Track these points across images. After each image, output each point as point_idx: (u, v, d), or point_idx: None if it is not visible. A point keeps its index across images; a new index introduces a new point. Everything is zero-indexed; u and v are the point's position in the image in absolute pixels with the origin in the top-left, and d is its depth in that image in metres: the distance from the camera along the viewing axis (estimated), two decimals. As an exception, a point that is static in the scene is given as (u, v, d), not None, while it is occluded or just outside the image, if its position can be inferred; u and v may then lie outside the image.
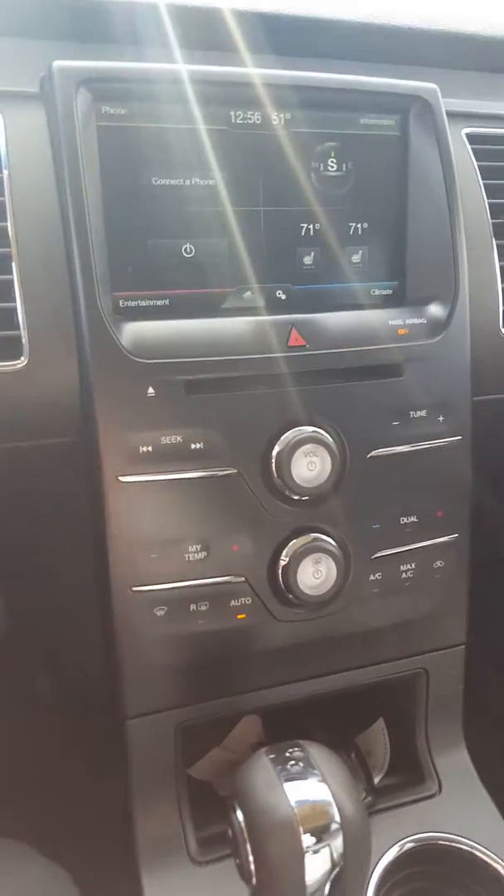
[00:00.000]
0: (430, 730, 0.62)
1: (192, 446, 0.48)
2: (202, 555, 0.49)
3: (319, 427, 0.50)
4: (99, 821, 0.62)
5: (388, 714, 0.65)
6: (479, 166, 0.60)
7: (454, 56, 0.65)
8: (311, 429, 0.50)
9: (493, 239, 0.59)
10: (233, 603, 0.51)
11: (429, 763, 0.62)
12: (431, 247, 0.54)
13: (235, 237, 0.50)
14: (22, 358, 0.47)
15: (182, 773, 0.56)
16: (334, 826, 0.40)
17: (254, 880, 0.41)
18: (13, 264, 0.47)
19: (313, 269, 0.53)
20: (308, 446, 0.49)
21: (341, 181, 0.53)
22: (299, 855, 0.39)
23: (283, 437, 0.49)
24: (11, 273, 0.47)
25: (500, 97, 0.65)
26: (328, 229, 0.52)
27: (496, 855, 0.55)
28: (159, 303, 0.49)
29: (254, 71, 0.50)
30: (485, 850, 0.56)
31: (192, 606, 0.50)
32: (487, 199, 0.59)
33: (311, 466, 0.50)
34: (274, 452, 0.49)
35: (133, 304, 0.49)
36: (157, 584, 0.49)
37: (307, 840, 0.39)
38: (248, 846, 0.40)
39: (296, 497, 0.50)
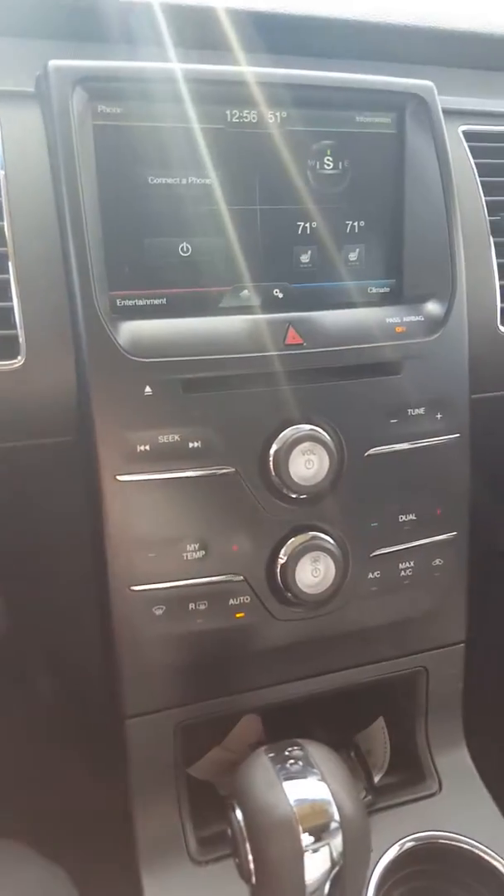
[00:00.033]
0: (430, 728, 0.62)
1: (190, 445, 0.48)
2: (200, 554, 0.49)
3: (317, 425, 0.50)
4: (98, 821, 0.62)
5: (388, 713, 0.65)
6: (476, 164, 0.60)
7: (450, 53, 0.65)
8: (308, 427, 0.50)
9: (491, 236, 0.59)
10: (231, 602, 0.51)
11: (429, 762, 0.62)
12: (428, 244, 0.54)
13: (232, 236, 0.50)
14: (19, 357, 0.47)
15: (182, 772, 0.56)
16: (334, 825, 0.40)
17: (253, 879, 0.40)
18: (10, 264, 0.47)
19: (310, 267, 0.52)
20: (306, 444, 0.49)
21: (338, 179, 0.53)
22: (299, 854, 0.39)
23: (280, 436, 0.49)
24: (8, 272, 0.47)
25: (496, 94, 0.65)
26: (325, 227, 0.52)
27: (496, 853, 0.55)
28: (156, 302, 0.49)
29: (249, 69, 0.50)
30: (485, 849, 0.56)
31: (191, 605, 0.50)
32: (484, 196, 0.59)
33: (308, 465, 0.49)
34: (272, 451, 0.49)
35: (130, 303, 0.49)
36: (155, 583, 0.49)
37: (306, 839, 0.39)
38: (248, 845, 0.40)
39: (294, 495, 0.50)
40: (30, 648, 0.62)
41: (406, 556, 0.55)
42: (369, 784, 0.62)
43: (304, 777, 0.42)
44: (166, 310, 0.49)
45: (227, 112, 0.49)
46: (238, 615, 0.51)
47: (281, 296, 0.52)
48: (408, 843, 0.56)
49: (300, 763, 0.42)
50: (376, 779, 0.63)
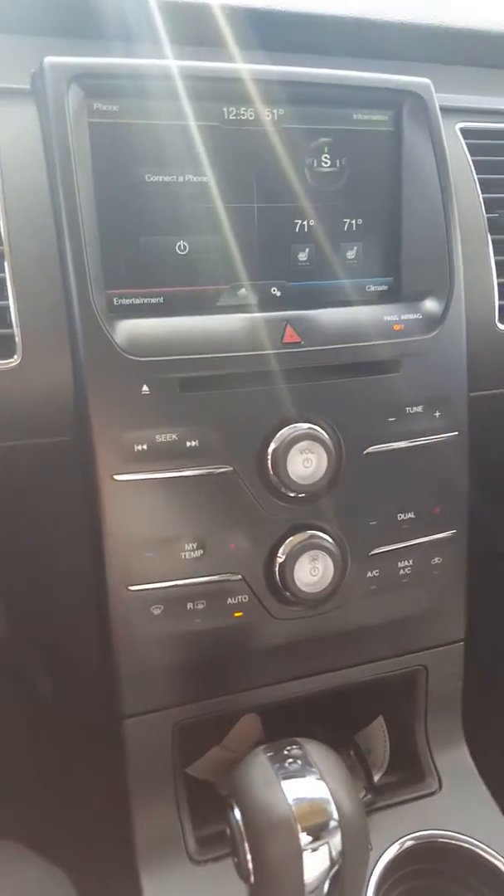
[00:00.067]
0: (429, 727, 0.62)
1: (188, 444, 0.48)
2: (198, 553, 0.49)
3: (315, 424, 0.50)
4: (97, 820, 0.62)
5: (388, 711, 0.65)
6: (474, 161, 0.60)
7: (447, 51, 0.65)
8: (306, 426, 0.50)
9: (489, 234, 0.59)
10: (230, 601, 0.51)
11: (429, 760, 0.62)
12: (426, 242, 0.54)
13: (229, 234, 0.50)
14: (15, 356, 0.47)
15: (180, 772, 0.56)
16: (332, 824, 0.40)
17: (252, 879, 0.40)
18: (5, 262, 0.47)
19: (308, 265, 0.52)
20: (304, 443, 0.49)
21: (335, 177, 0.52)
22: (297, 853, 0.39)
23: (278, 435, 0.49)
24: (4, 271, 0.46)
25: (494, 92, 0.65)
26: (322, 225, 0.52)
27: (497, 852, 0.55)
28: (153, 300, 0.49)
29: (246, 67, 0.49)
30: (485, 847, 0.56)
31: (189, 605, 0.49)
32: (482, 193, 0.59)
33: (306, 463, 0.49)
34: (270, 450, 0.49)
35: (127, 301, 0.48)
36: (153, 582, 0.49)
37: (305, 838, 0.39)
38: (246, 845, 0.40)
39: (292, 494, 0.50)
40: (28, 648, 0.62)
41: (405, 555, 0.55)
42: (369, 783, 0.62)
43: (303, 776, 0.41)
44: (163, 308, 0.49)
45: (224, 109, 0.49)
46: (236, 614, 0.51)
47: (278, 294, 0.52)
48: (408, 842, 0.56)
49: (299, 762, 0.42)
50: (376, 778, 0.63)
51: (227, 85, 0.49)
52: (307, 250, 0.52)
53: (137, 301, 0.49)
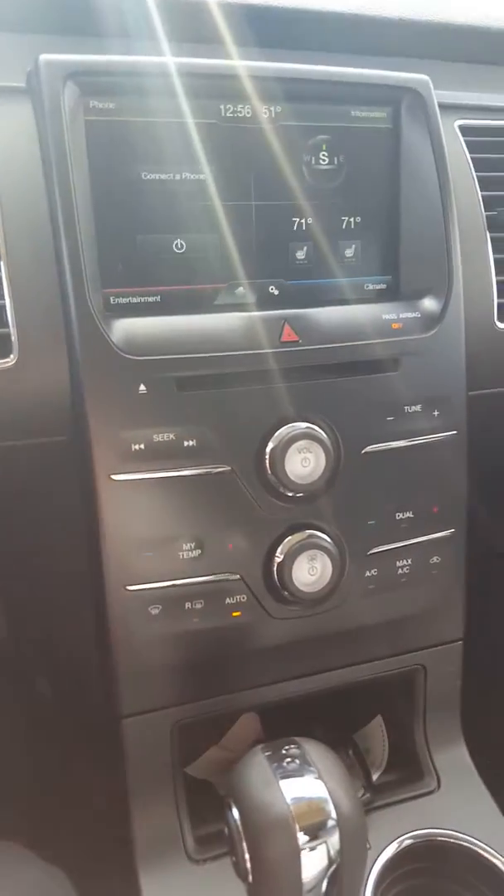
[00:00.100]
0: (428, 726, 0.62)
1: (185, 444, 0.48)
2: (196, 553, 0.49)
3: (313, 423, 0.50)
4: (96, 820, 0.62)
5: (386, 711, 0.65)
6: (472, 158, 0.59)
7: (446, 47, 0.65)
8: (304, 425, 0.49)
9: (487, 232, 0.59)
10: (228, 601, 0.50)
11: (427, 759, 0.62)
12: (425, 240, 0.54)
13: (226, 232, 0.49)
14: (11, 356, 0.47)
15: (179, 771, 0.56)
16: (330, 823, 0.40)
17: (250, 878, 0.40)
18: (1, 262, 0.46)
19: (306, 263, 0.52)
20: (302, 442, 0.49)
21: (333, 175, 0.52)
22: (295, 852, 0.39)
23: (276, 434, 0.49)
24: (0, 270, 0.46)
25: (492, 88, 0.65)
26: (320, 223, 0.52)
27: (495, 850, 0.55)
28: (150, 299, 0.49)
29: (243, 64, 0.49)
30: (484, 846, 0.56)
31: (187, 605, 0.49)
32: (481, 191, 0.59)
33: (305, 463, 0.49)
34: (268, 449, 0.49)
35: (124, 300, 0.48)
36: (151, 582, 0.49)
37: (303, 837, 0.39)
38: (244, 844, 0.40)
39: (290, 494, 0.50)
40: (26, 648, 0.61)
41: (403, 554, 0.55)
42: (368, 782, 0.62)
43: (301, 775, 0.41)
44: (161, 307, 0.49)
45: (221, 107, 0.49)
46: (235, 614, 0.51)
47: (276, 293, 0.52)
48: (406, 841, 0.56)
49: (297, 761, 0.42)
50: (375, 777, 0.63)
51: (224, 82, 0.49)
52: (305, 248, 0.52)
53: (134, 300, 0.48)
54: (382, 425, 0.52)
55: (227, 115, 0.49)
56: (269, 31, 0.57)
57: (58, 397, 0.47)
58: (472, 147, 0.60)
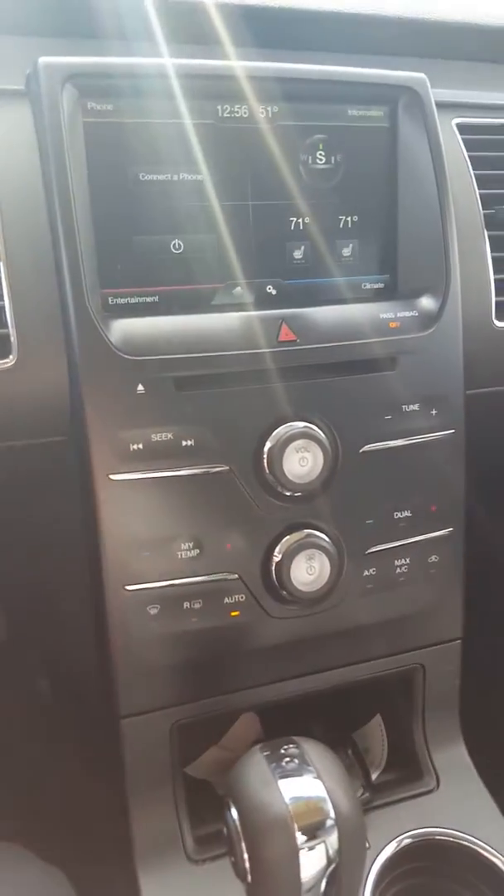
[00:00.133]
0: (427, 725, 0.62)
1: (183, 443, 0.48)
2: (195, 552, 0.49)
3: (311, 422, 0.50)
4: (95, 820, 0.62)
5: (385, 710, 0.65)
6: (470, 156, 0.59)
7: (443, 46, 0.65)
8: (302, 424, 0.49)
9: (485, 230, 0.59)
10: (226, 600, 0.50)
11: (426, 758, 0.62)
12: (422, 239, 0.54)
13: (224, 232, 0.50)
14: (10, 356, 0.47)
15: (178, 771, 0.56)
16: (329, 823, 0.40)
17: (249, 878, 0.40)
18: (1, 263, 0.46)
19: (303, 263, 0.52)
20: (300, 442, 0.49)
21: (330, 174, 0.52)
22: (294, 852, 0.39)
23: (274, 433, 0.49)
24: (-1, 272, 0.46)
25: (490, 87, 0.65)
26: (318, 223, 0.52)
27: (494, 849, 0.55)
28: (148, 299, 0.49)
29: (240, 64, 0.49)
30: (483, 845, 0.56)
31: (186, 604, 0.49)
32: (478, 189, 0.59)
33: (303, 462, 0.49)
34: (266, 448, 0.49)
35: (122, 301, 0.48)
36: (150, 582, 0.49)
37: (301, 837, 0.39)
38: (243, 844, 0.40)
39: (288, 493, 0.50)
40: (25, 648, 0.62)
41: (401, 553, 0.55)
42: (367, 781, 0.62)
43: (300, 775, 0.41)
44: (159, 307, 0.49)
45: (218, 107, 0.49)
46: (233, 614, 0.51)
47: (274, 292, 0.52)
48: (405, 840, 0.56)
49: (296, 761, 0.42)
50: (374, 776, 0.63)
51: (221, 82, 0.49)
52: (303, 248, 0.52)
53: (133, 300, 0.49)
54: (380, 424, 0.52)
55: (225, 115, 0.49)
56: (266, 32, 0.57)
57: (57, 398, 0.48)
58: (469, 145, 0.60)
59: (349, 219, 0.53)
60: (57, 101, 0.45)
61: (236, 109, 0.49)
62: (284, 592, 0.51)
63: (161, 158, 0.48)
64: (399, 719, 0.63)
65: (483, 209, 0.59)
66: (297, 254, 0.52)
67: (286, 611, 0.52)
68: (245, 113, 0.50)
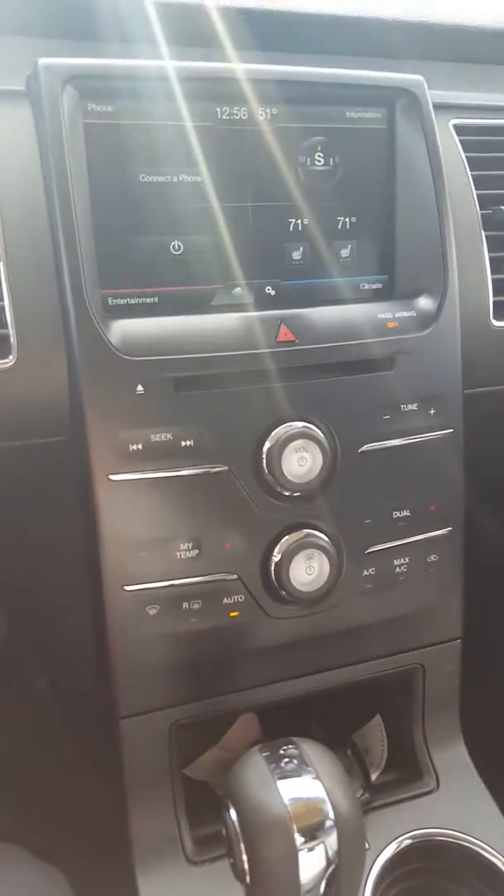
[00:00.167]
0: (427, 725, 0.62)
1: (183, 444, 0.48)
2: (194, 553, 0.49)
3: (310, 422, 0.50)
4: (94, 821, 0.62)
5: (385, 710, 0.65)
6: (467, 157, 0.60)
7: (440, 47, 0.65)
8: (301, 424, 0.50)
9: (482, 230, 0.59)
10: (225, 601, 0.50)
11: (426, 759, 0.62)
12: (420, 239, 0.54)
13: (223, 233, 0.50)
14: (10, 357, 0.47)
15: (177, 772, 0.56)
16: (328, 823, 0.40)
17: (248, 879, 0.40)
18: (0, 263, 0.47)
19: (302, 264, 0.52)
20: (299, 442, 0.49)
21: (329, 175, 0.52)
22: (293, 853, 0.39)
23: (273, 433, 0.49)
24: (-1, 272, 0.46)
25: (487, 88, 0.65)
26: (316, 224, 0.52)
27: (495, 850, 0.55)
28: (148, 300, 0.49)
29: (239, 66, 0.49)
30: (483, 845, 0.55)
31: (185, 605, 0.49)
32: (476, 190, 0.59)
33: (301, 462, 0.49)
34: (265, 449, 0.49)
35: (121, 301, 0.48)
36: (149, 582, 0.49)
37: (301, 838, 0.39)
38: (242, 845, 0.40)
39: (287, 493, 0.50)
40: (24, 649, 0.61)
41: (401, 553, 0.55)
42: (366, 782, 0.62)
43: (299, 776, 0.41)
44: (158, 308, 0.49)
45: (218, 109, 0.49)
46: (232, 614, 0.51)
47: (273, 293, 0.52)
48: (405, 841, 0.56)
49: (295, 762, 0.42)
50: (374, 776, 0.63)
51: (221, 85, 0.49)
52: (301, 249, 0.52)
53: (132, 301, 0.49)
54: (379, 424, 0.52)
55: (224, 117, 0.49)
56: (265, 34, 0.57)
57: (56, 398, 0.48)
58: (466, 146, 0.60)
59: (347, 220, 0.53)
60: (57, 103, 0.46)
61: (236, 111, 0.50)
62: (284, 592, 0.51)
63: (161, 160, 0.48)
64: (399, 719, 0.63)
65: (480, 209, 0.59)
66: (296, 255, 0.52)
67: (285, 611, 0.52)
68: (244, 115, 0.50)
